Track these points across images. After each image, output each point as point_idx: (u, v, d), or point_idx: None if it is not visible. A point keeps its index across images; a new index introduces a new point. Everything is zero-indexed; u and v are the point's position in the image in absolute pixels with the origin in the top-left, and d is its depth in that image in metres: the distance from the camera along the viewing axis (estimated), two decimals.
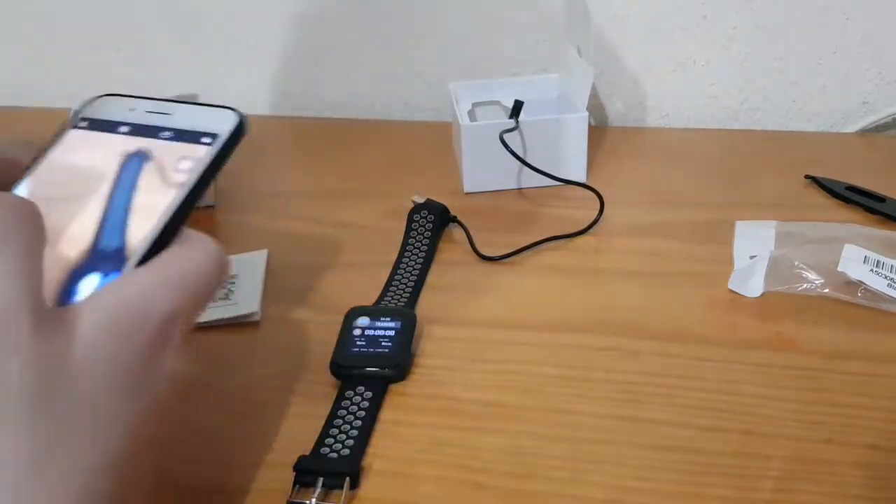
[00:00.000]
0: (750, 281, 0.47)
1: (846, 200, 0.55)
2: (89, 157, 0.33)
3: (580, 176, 0.59)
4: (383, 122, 0.74)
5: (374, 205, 0.57)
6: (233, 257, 0.51)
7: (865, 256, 0.46)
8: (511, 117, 0.57)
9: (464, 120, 0.58)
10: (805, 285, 0.46)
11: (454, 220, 0.54)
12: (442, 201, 0.55)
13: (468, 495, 0.35)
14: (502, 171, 0.58)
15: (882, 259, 0.46)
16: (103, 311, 0.26)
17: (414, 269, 0.50)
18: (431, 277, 0.50)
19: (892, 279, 0.45)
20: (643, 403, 0.39)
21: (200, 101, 0.36)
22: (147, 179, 0.32)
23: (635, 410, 0.39)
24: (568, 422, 0.38)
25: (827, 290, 0.46)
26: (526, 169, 0.57)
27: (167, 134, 0.34)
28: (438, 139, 0.66)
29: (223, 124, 0.34)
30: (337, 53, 0.72)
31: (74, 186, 0.32)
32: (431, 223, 0.53)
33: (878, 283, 0.45)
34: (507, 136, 0.55)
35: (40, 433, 0.23)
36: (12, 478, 0.23)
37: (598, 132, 0.67)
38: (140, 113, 0.35)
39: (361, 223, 0.56)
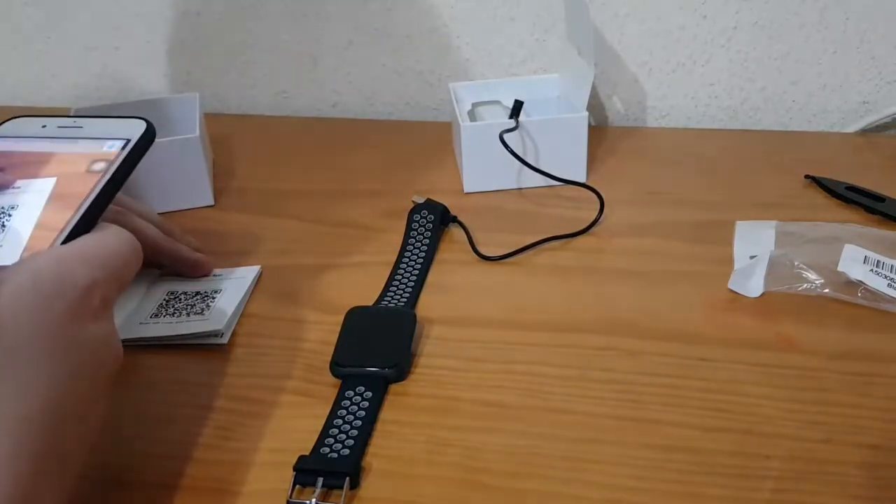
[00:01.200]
0: (750, 281, 0.47)
1: (846, 200, 0.55)
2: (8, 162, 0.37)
3: (580, 176, 0.59)
4: (383, 122, 0.74)
5: (374, 205, 0.57)
6: (223, 271, 0.50)
7: (865, 256, 0.46)
8: (511, 117, 0.57)
9: (464, 120, 0.58)
10: (805, 285, 0.46)
11: (454, 220, 0.54)
12: (442, 201, 0.55)
13: (468, 495, 0.35)
14: (502, 171, 0.58)
15: (882, 259, 0.46)
16: (26, 275, 0.29)
17: (414, 269, 0.50)
18: (431, 277, 0.50)
19: (892, 279, 0.45)
20: (643, 403, 0.39)
21: (110, 115, 0.40)
22: (66, 177, 0.36)
23: (635, 410, 0.39)
24: (568, 422, 0.38)
25: (827, 290, 0.46)
26: (526, 169, 0.57)
27: (80, 142, 0.38)
28: (438, 139, 0.66)
29: (133, 131, 0.38)
30: (337, 53, 0.72)
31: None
32: (431, 223, 0.53)
33: (878, 283, 0.45)
34: (507, 136, 0.55)
35: None
36: None
37: (598, 132, 0.67)
38: (52, 129, 0.39)
39: (361, 223, 0.56)
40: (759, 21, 0.65)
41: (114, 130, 0.38)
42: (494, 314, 0.46)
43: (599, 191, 0.55)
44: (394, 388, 0.41)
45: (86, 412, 0.30)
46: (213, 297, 0.47)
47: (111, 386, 0.32)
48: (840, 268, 0.46)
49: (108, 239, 0.33)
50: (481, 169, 0.58)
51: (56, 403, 0.28)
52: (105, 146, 0.38)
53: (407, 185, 0.60)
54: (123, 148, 0.37)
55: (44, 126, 0.40)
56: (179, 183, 0.57)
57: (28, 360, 0.27)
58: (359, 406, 0.39)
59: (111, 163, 0.36)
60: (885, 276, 0.45)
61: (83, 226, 0.34)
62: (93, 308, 0.30)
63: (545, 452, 0.37)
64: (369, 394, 0.40)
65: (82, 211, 0.34)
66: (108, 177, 0.36)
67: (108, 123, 0.39)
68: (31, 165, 0.37)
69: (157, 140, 0.56)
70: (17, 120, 0.40)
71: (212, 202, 0.59)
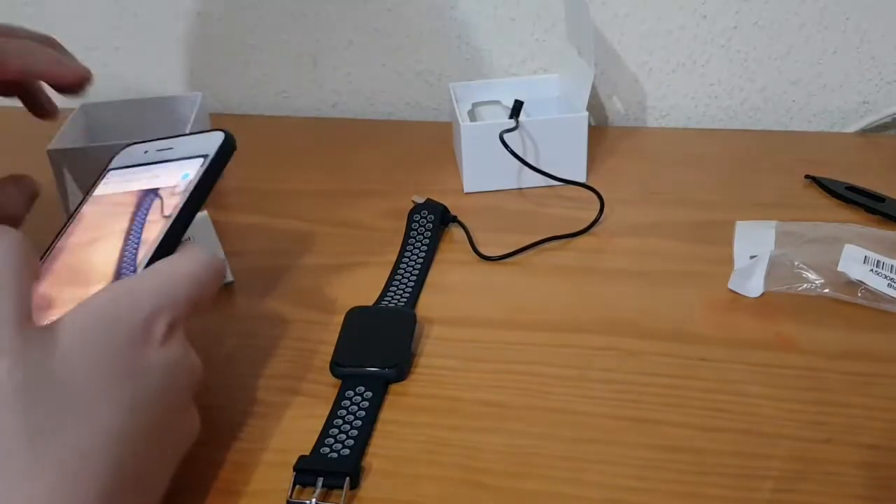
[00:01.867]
0: (750, 281, 0.47)
1: (846, 200, 0.55)
2: (113, 201, 0.39)
3: (580, 176, 0.59)
4: (383, 122, 0.74)
5: (374, 205, 0.57)
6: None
7: (865, 256, 0.46)
8: (511, 117, 0.57)
9: (464, 120, 0.58)
10: (805, 285, 0.46)
11: (454, 220, 0.54)
12: (442, 201, 0.55)
13: (468, 495, 0.35)
14: (502, 171, 0.58)
15: (882, 259, 0.46)
16: (79, 320, 0.30)
17: (414, 269, 0.50)
18: (431, 277, 0.50)
19: (892, 279, 0.45)
20: (643, 403, 0.39)
21: (198, 131, 0.41)
22: (154, 210, 0.37)
23: (635, 410, 0.39)
24: (568, 422, 0.38)
25: (827, 290, 0.46)
26: (526, 169, 0.57)
27: (170, 165, 0.39)
28: (438, 139, 0.66)
29: (213, 144, 0.39)
30: (337, 53, 0.72)
31: (106, 225, 0.38)
32: (431, 223, 0.53)
33: (878, 283, 0.45)
34: (507, 136, 0.55)
35: (32, 417, 0.27)
36: (8, 454, 0.26)
37: (598, 132, 0.67)
38: (152, 153, 0.41)
39: (361, 223, 0.56)
40: (759, 21, 0.65)
41: (198, 147, 0.39)
42: (494, 314, 0.46)
43: (599, 191, 0.55)
44: (394, 388, 0.41)
45: (161, 436, 0.31)
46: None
47: (192, 402, 0.34)
48: (840, 268, 0.46)
49: (181, 262, 0.34)
50: (481, 169, 0.58)
51: (122, 434, 0.29)
52: (187, 166, 0.39)
53: (407, 185, 0.60)
54: (201, 166, 0.38)
55: (146, 152, 0.41)
56: None
57: (89, 395, 0.28)
58: (359, 406, 0.39)
59: (189, 183, 0.37)
60: (885, 276, 0.45)
61: (164, 249, 0.35)
62: (157, 335, 0.31)
63: (545, 452, 0.37)
64: (369, 394, 0.40)
65: (162, 236, 0.35)
66: (186, 197, 0.37)
67: (193, 141, 0.40)
68: (130, 203, 0.39)
69: None
70: (129, 148, 0.42)
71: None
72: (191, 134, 0.41)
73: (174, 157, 0.40)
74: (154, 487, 0.31)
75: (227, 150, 0.39)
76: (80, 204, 0.40)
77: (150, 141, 0.42)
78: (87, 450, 0.27)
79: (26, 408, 0.27)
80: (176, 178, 0.38)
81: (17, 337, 0.28)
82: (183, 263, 0.34)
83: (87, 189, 0.41)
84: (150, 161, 0.40)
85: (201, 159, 0.38)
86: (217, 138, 0.39)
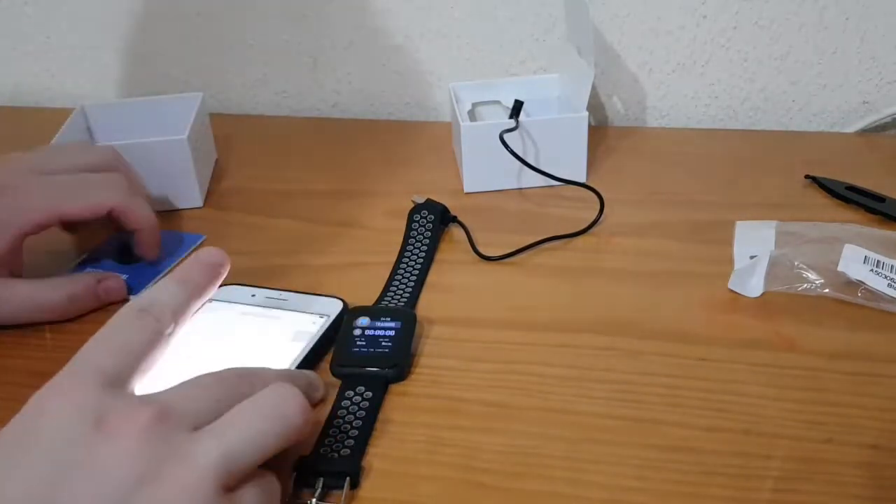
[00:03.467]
0: (750, 281, 0.47)
1: (846, 200, 0.55)
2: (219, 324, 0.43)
3: (580, 176, 0.59)
4: (383, 122, 0.74)
5: (374, 205, 0.57)
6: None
7: (865, 256, 0.46)
8: (511, 117, 0.57)
9: (464, 120, 0.58)
10: (805, 285, 0.46)
11: (454, 219, 0.54)
12: (442, 201, 0.55)
13: (468, 495, 0.35)
14: (502, 171, 0.58)
15: (882, 259, 0.46)
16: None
17: (414, 269, 0.50)
18: (431, 277, 0.50)
19: (892, 279, 0.45)
20: (643, 403, 0.39)
21: (311, 292, 0.46)
22: (267, 351, 0.41)
23: (635, 410, 0.39)
24: (568, 422, 0.38)
25: (827, 290, 0.46)
26: (526, 169, 0.57)
27: (283, 313, 0.44)
28: (438, 139, 0.66)
29: (331, 308, 0.44)
30: (337, 53, 0.72)
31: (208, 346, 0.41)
32: (431, 223, 0.53)
33: (878, 283, 0.45)
34: (507, 136, 0.55)
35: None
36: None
37: (598, 132, 0.67)
38: (260, 298, 0.45)
39: (361, 223, 0.56)
40: (759, 21, 0.65)
41: (313, 306, 0.44)
42: (494, 314, 0.46)
43: (599, 191, 0.55)
44: (394, 388, 0.41)
45: None
46: None
47: None
48: (840, 268, 0.46)
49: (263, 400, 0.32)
50: (481, 169, 0.58)
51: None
52: (305, 321, 0.43)
53: (407, 185, 0.60)
54: (321, 323, 0.43)
55: (253, 295, 0.45)
56: (167, 184, 0.57)
57: None
58: (359, 406, 0.39)
59: (310, 336, 0.42)
60: (885, 276, 0.45)
61: None
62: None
63: (545, 452, 0.37)
64: (369, 394, 0.40)
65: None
66: (306, 351, 0.41)
67: (308, 299, 0.45)
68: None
69: (145, 140, 0.57)
70: (229, 287, 0.45)
71: (200, 203, 0.58)
72: (306, 293, 0.45)
73: (288, 308, 0.44)
74: None
75: (342, 317, 0.43)
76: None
77: (255, 287, 0.46)
78: None
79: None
80: (293, 329, 0.43)
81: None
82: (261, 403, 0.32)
83: None
84: (259, 304, 0.45)
85: (319, 317, 0.43)
86: (336, 305, 0.44)
